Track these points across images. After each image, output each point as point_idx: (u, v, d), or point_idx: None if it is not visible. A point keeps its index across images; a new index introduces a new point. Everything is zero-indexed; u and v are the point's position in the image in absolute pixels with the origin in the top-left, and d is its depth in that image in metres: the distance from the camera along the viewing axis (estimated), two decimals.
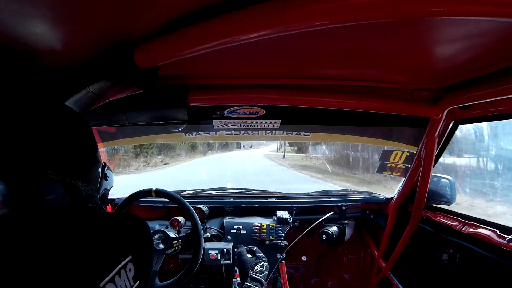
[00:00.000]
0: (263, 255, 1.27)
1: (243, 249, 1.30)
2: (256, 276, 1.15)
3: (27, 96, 0.51)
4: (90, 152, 0.56)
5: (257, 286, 1.12)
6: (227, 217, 1.68)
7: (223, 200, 1.81)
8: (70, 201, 0.51)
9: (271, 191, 1.96)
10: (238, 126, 1.47)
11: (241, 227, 1.59)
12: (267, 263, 1.24)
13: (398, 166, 1.69)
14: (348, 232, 1.75)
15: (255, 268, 1.19)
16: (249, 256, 1.26)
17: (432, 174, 1.44)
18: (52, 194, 0.48)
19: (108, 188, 0.66)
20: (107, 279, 0.44)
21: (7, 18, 0.55)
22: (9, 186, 0.44)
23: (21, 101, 0.49)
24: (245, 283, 1.13)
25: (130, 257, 0.50)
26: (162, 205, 1.73)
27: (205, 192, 1.92)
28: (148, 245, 0.58)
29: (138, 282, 0.51)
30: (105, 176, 0.62)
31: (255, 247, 1.32)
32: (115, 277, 0.46)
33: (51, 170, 0.48)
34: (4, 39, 0.61)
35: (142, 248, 0.56)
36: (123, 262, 0.49)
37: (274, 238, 1.55)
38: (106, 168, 0.63)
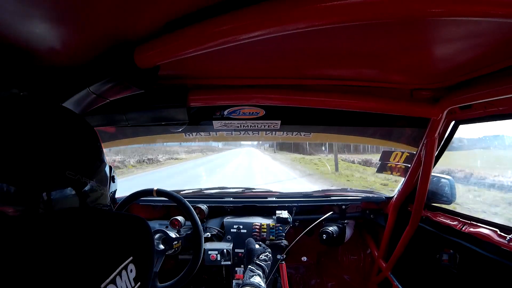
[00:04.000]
0: (267, 247, 1.41)
1: (252, 239, 1.42)
2: (260, 263, 1.25)
3: (38, 100, 0.51)
4: (98, 153, 0.57)
5: (259, 270, 1.20)
6: (227, 217, 1.68)
7: (223, 200, 1.81)
8: (84, 201, 0.51)
9: (271, 190, 1.96)
10: (238, 127, 1.47)
11: (241, 226, 1.59)
12: (270, 255, 1.36)
13: (398, 166, 1.69)
14: (348, 232, 1.75)
15: (261, 256, 1.30)
16: (257, 246, 1.37)
17: (432, 174, 1.44)
18: (69, 194, 0.48)
19: (114, 190, 0.67)
20: (108, 280, 0.44)
21: (7, 18, 0.55)
22: (24, 187, 0.44)
23: (33, 106, 0.49)
24: (249, 266, 1.22)
25: (131, 258, 0.50)
26: (162, 204, 1.73)
27: (204, 192, 1.92)
28: (149, 245, 0.58)
29: (139, 283, 0.51)
30: (112, 178, 0.64)
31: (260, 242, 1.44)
32: (116, 278, 0.46)
33: (69, 170, 0.48)
34: (5, 39, 0.61)
35: (143, 248, 0.56)
36: (124, 263, 0.49)
37: (274, 238, 1.55)
38: (112, 170, 0.64)
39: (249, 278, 1.11)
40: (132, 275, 0.50)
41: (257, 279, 1.11)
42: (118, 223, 0.55)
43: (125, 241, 0.53)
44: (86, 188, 0.51)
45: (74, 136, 0.52)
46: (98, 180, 0.55)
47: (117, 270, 0.47)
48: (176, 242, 1.39)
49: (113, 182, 0.64)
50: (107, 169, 0.59)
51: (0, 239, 0.40)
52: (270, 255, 1.35)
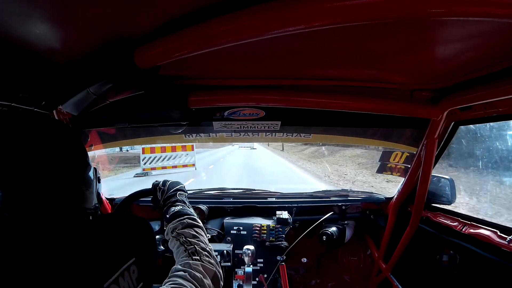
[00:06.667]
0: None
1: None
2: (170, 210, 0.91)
3: (15, 111, 0.52)
4: (83, 157, 0.57)
5: (177, 204, 0.92)
6: (227, 218, 1.68)
7: (223, 200, 1.81)
8: (75, 204, 0.52)
9: (271, 191, 1.96)
10: (238, 128, 1.47)
11: (241, 227, 1.58)
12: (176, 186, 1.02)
13: (398, 166, 1.69)
14: (348, 233, 1.75)
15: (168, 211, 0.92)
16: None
17: (432, 174, 1.44)
18: (60, 199, 0.49)
19: (101, 189, 0.68)
20: (110, 280, 0.45)
21: (7, 18, 0.55)
22: (14, 193, 0.45)
23: (13, 118, 0.49)
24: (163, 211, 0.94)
25: (133, 258, 0.51)
26: None
27: (205, 192, 1.92)
28: (151, 246, 0.58)
29: (142, 283, 0.51)
30: (98, 179, 0.64)
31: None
32: (119, 279, 0.46)
33: (55, 176, 0.49)
34: (5, 39, 0.61)
35: (146, 249, 0.56)
36: (127, 264, 0.49)
37: (274, 239, 1.55)
38: (97, 171, 0.65)
39: (170, 213, 0.88)
40: (135, 275, 0.50)
41: (178, 207, 0.89)
42: (120, 224, 0.56)
43: (127, 242, 0.53)
44: (72, 192, 0.51)
45: (57, 144, 0.52)
46: (83, 183, 0.55)
47: (120, 271, 0.47)
48: None
49: (99, 182, 0.65)
50: (92, 171, 0.60)
51: (6, 241, 0.41)
52: (175, 186, 1.01)
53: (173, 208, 0.90)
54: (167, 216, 0.88)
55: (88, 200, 0.56)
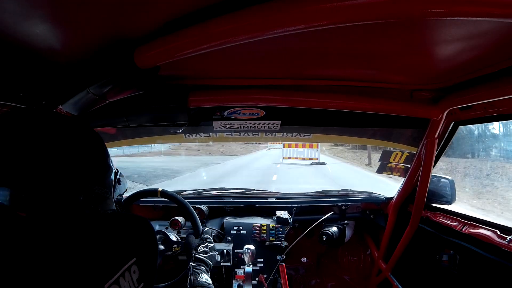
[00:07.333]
0: (209, 236, 1.29)
1: (191, 234, 1.35)
2: (199, 256, 1.15)
3: (39, 111, 0.52)
4: (104, 159, 0.58)
5: (201, 266, 1.10)
6: (227, 218, 1.68)
7: (223, 200, 1.81)
8: (90, 207, 0.53)
9: (271, 191, 1.96)
10: (238, 128, 1.47)
11: (241, 227, 1.58)
12: (213, 244, 1.25)
13: (398, 166, 1.69)
14: (348, 233, 1.75)
15: (199, 248, 1.19)
16: (195, 238, 1.30)
17: (432, 174, 1.44)
18: (73, 200, 0.50)
19: (122, 191, 0.69)
20: (111, 281, 0.45)
21: (7, 18, 0.55)
22: (29, 194, 0.46)
23: (36, 118, 0.50)
24: (190, 264, 1.11)
25: (134, 259, 0.51)
26: (162, 205, 1.73)
27: (205, 192, 1.92)
28: (153, 246, 0.58)
29: (143, 284, 0.51)
30: (118, 181, 0.65)
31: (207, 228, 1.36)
32: (120, 279, 0.46)
33: (75, 177, 0.50)
34: (5, 39, 0.62)
35: (147, 249, 0.56)
36: (128, 264, 0.49)
37: (274, 239, 1.55)
38: (118, 174, 0.65)
39: (197, 278, 1.04)
40: (136, 276, 0.50)
41: (205, 277, 1.05)
42: (121, 224, 0.56)
43: (128, 242, 0.53)
44: (91, 194, 0.52)
45: (80, 146, 0.53)
46: (104, 185, 0.56)
47: (121, 271, 0.47)
48: (176, 246, 1.38)
49: (119, 184, 0.66)
50: (112, 173, 0.60)
51: (9, 239, 0.42)
52: (212, 244, 1.24)
53: (199, 275, 1.05)
54: (193, 280, 1.04)
55: (106, 203, 0.57)
